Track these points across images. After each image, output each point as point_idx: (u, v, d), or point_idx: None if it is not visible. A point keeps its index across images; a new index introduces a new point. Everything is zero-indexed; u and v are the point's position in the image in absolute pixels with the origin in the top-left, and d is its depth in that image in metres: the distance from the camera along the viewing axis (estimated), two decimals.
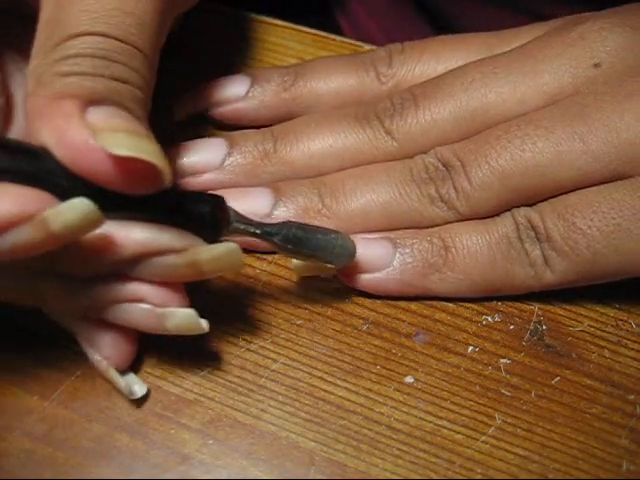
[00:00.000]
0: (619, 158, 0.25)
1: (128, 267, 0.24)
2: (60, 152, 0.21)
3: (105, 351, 0.25)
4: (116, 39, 0.23)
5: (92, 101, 0.22)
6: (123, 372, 0.26)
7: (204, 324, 0.25)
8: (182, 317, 0.24)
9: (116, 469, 0.25)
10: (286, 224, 0.25)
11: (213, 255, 0.23)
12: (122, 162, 0.21)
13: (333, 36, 0.36)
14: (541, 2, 0.31)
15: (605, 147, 0.25)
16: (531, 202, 0.27)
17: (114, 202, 0.22)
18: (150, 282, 0.24)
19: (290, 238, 0.25)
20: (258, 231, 0.25)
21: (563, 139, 0.26)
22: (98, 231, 0.22)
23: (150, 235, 0.23)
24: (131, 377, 0.26)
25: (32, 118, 0.22)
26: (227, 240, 0.24)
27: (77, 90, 0.22)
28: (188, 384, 0.26)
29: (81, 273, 0.24)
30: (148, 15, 0.23)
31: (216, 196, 0.24)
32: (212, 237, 0.24)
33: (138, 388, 0.26)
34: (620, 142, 0.25)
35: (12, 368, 0.27)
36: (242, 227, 0.24)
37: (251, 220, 0.25)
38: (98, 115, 0.22)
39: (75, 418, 0.26)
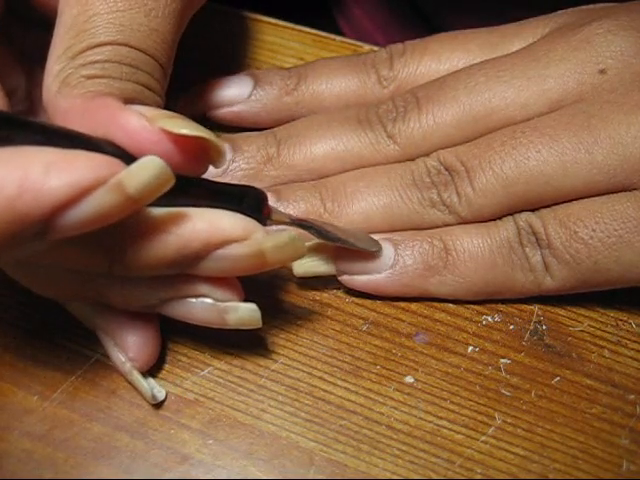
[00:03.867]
0: (624, 171, 0.25)
1: (192, 265, 0.24)
2: (118, 139, 0.22)
3: (131, 352, 0.25)
4: (142, 51, 0.24)
5: (126, 100, 0.23)
6: (144, 375, 0.26)
7: (260, 320, 0.25)
8: (244, 311, 0.25)
9: (116, 469, 0.25)
10: (319, 224, 0.26)
11: (277, 243, 0.24)
12: (183, 142, 0.22)
13: (333, 36, 0.36)
14: (530, 13, 0.31)
15: (610, 160, 0.25)
16: (533, 208, 0.27)
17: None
18: (210, 278, 0.24)
19: (319, 225, 0.26)
20: (295, 222, 0.26)
21: (568, 149, 0.26)
22: (161, 222, 0.23)
23: (212, 224, 0.23)
24: (151, 381, 0.26)
25: (71, 116, 0.23)
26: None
27: (108, 90, 0.23)
28: (188, 384, 0.26)
29: (143, 274, 0.24)
30: (169, 34, 0.25)
31: (258, 189, 0.25)
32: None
33: (157, 392, 0.26)
34: (626, 155, 0.25)
35: (12, 368, 0.27)
36: (279, 218, 0.25)
37: (285, 213, 0.26)
38: (140, 108, 0.23)
39: (75, 418, 0.26)
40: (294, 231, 0.25)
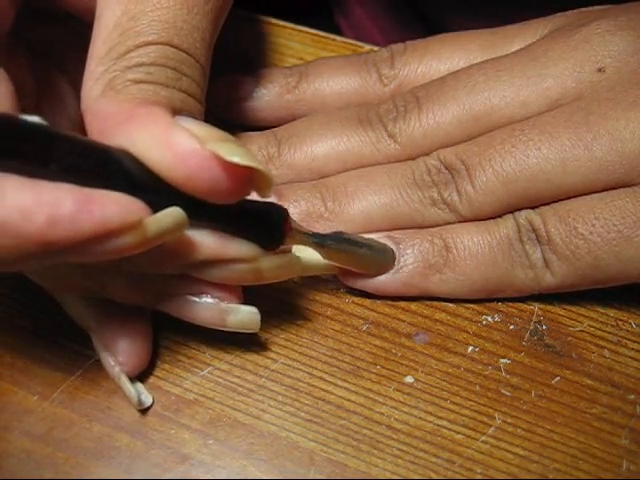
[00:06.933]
0: (623, 167, 0.25)
1: (195, 270, 0.24)
2: (165, 159, 0.21)
3: (121, 356, 0.25)
4: (184, 52, 0.23)
5: (173, 110, 0.22)
6: (132, 380, 0.26)
7: (259, 323, 0.25)
8: (245, 314, 0.25)
9: (116, 469, 0.25)
10: (337, 233, 0.26)
11: (275, 264, 0.25)
12: (232, 169, 0.21)
13: (333, 36, 0.36)
14: (530, 13, 0.31)
15: (609, 156, 0.25)
16: (533, 206, 0.27)
17: (189, 209, 0.22)
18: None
19: (341, 244, 0.26)
20: (314, 240, 0.26)
21: (567, 146, 0.26)
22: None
23: (220, 245, 0.23)
24: (138, 386, 0.26)
25: (113, 121, 0.22)
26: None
27: (155, 98, 0.22)
28: (188, 384, 0.26)
29: (150, 272, 0.24)
30: (208, 32, 0.24)
31: (281, 207, 0.25)
32: (275, 245, 0.25)
33: (144, 398, 0.26)
34: (625, 151, 0.25)
35: (12, 367, 0.27)
36: (299, 237, 0.25)
37: (306, 229, 0.26)
38: (189, 124, 0.22)
39: (75, 418, 0.26)
40: (307, 251, 0.26)
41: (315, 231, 0.26)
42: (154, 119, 0.22)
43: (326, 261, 0.26)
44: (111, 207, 0.20)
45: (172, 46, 0.23)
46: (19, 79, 0.25)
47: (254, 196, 0.23)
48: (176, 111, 0.22)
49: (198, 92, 0.24)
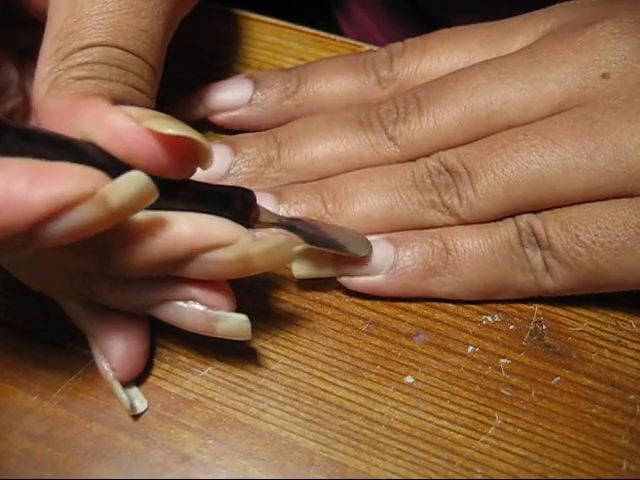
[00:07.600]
0: (627, 177, 0.25)
1: (180, 267, 0.24)
2: (105, 139, 0.22)
3: (114, 362, 0.25)
4: (130, 52, 0.24)
5: (114, 101, 0.23)
6: (127, 385, 0.26)
7: (250, 332, 0.25)
8: (235, 322, 0.24)
9: (116, 469, 0.25)
10: (305, 218, 0.26)
11: (264, 248, 0.23)
12: (169, 142, 0.22)
13: (333, 36, 0.36)
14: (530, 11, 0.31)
15: (613, 166, 0.25)
16: (535, 210, 0.27)
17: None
18: (202, 283, 0.24)
19: (311, 224, 0.26)
20: (283, 221, 0.25)
21: (570, 154, 0.26)
22: (147, 225, 0.23)
23: (198, 229, 0.23)
24: (134, 391, 0.26)
25: (59, 116, 0.23)
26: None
27: (97, 91, 0.23)
28: (188, 384, 0.26)
29: (132, 275, 0.24)
30: (159, 35, 0.25)
31: (247, 190, 0.25)
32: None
33: (139, 403, 0.26)
34: (629, 162, 0.25)
35: (12, 368, 0.27)
36: (268, 219, 0.25)
37: (275, 213, 0.26)
38: (129, 109, 0.23)
39: (75, 418, 0.26)
40: (282, 235, 0.25)
41: (282, 215, 0.26)
42: (93, 107, 0.22)
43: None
44: (64, 177, 0.20)
45: (118, 47, 0.23)
46: (3, 81, 0.26)
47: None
48: (118, 102, 0.23)
49: (146, 87, 0.24)
